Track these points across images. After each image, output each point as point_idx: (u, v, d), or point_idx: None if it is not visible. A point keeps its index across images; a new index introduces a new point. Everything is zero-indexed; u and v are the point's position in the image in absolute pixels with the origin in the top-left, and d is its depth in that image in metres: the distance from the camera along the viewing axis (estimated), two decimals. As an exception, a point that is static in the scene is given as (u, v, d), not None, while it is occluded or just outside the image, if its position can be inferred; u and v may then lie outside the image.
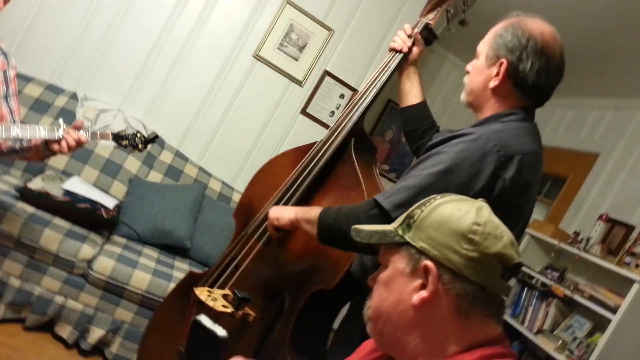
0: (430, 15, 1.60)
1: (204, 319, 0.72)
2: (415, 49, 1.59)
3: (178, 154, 2.99)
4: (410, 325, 0.77)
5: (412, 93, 1.63)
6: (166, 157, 2.92)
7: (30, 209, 2.14)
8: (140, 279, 2.17)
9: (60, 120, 1.77)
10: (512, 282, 3.14)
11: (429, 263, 0.75)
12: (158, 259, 2.40)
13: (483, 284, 0.75)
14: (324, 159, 1.60)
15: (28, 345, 2.00)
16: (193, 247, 2.63)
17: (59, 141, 1.71)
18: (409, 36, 1.59)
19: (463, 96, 1.40)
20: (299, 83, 3.25)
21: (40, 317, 2.07)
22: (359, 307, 1.04)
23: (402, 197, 1.22)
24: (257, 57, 3.15)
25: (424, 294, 0.75)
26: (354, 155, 1.61)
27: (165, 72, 3.01)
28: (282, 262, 1.61)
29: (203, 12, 3.01)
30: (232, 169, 3.23)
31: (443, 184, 1.18)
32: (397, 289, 0.78)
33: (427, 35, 1.60)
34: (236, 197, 3.07)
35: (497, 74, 1.26)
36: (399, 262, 0.79)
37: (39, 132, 1.69)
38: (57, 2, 2.76)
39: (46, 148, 1.74)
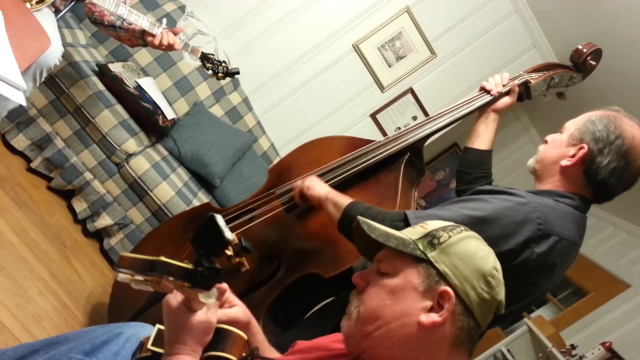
0: (534, 75, 1.60)
1: (220, 219, 0.77)
2: (506, 99, 1.58)
3: (245, 101, 3.08)
4: (407, 340, 0.78)
5: (482, 138, 1.62)
6: (234, 98, 3.01)
7: (101, 86, 2.26)
8: (164, 192, 2.26)
9: (164, 20, 1.87)
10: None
11: (449, 290, 0.76)
12: (186, 182, 2.50)
13: (481, 324, 0.78)
14: (375, 159, 1.63)
15: (44, 203, 2.12)
16: (220, 187, 2.72)
17: (154, 35, 1.81)
18: (505, 85, 1.59)
19: (531, 162, 1.40)
20: (381, 88, 3.28)
21: (65, 183, 2.19)
22: (343, 303, 1.07)
23: None
24: (356, 48, 3.20)
25: (435, 317, 0.76)
26: (402, 168, 1.63)
27: (270, 24, 3.10)
28: (294, 233, 1.66)
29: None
30: (285, 137, 3.30)
31: (474, 230, 1.19)
32: (405, 302, 0.78)
33: (522, 91, 1.60)
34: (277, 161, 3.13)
35: (573, 156, 1.26)
36: (413, 277, 0.79)
37: (142, 21, 1.79)
38: None
39: (141, 37, 1.84)
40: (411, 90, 3.28)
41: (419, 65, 3.24)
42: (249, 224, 1.70)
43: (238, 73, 2.08)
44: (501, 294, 0.80)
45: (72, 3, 1.93)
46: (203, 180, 2.67)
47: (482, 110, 1.61)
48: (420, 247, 0.80)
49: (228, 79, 2.32)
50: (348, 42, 3.19)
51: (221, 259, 1.61)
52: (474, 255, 0.79)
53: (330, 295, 1.66)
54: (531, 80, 1.58)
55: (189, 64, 2.78)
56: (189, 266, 0.75)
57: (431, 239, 0.81)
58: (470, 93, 3.21)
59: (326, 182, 1.62)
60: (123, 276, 0.77)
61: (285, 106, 3.26)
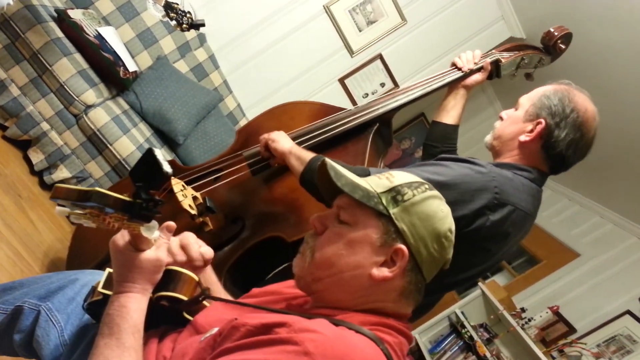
0: (505, 54, 1.62)
1: (158, 152, 0.76)
2: (477, 76, 1.61)
3: (212, 58, 2.99)
4: (356, 289, 0.81)
5: (450, 113, 1.64)
6: (200, 54, 2.92)
7: (59, 33, 2.14)
8: (124, 146, 2.20)
9: None
10: (444, 324, 3.25)
11: (404, 248, 0.79)
12: (148, 138, 2.43)
13: (427, 278, 0.83)
14: (344, 127, 1.63)
15: (-1, 153, 2.04)
16: (183, 145, 2.66)
17: None
18: (476, 63, 1.61)
19: (488, 138, 1.43)
20: (351, 52, 3.25)
21: (21, 133, 2.10)
22: None
23: None
24: (326, 9, 3.14)
25: (387, 272, 0.79)
26: (370, 138, 1.64)
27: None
28: (259, 196, 1.66)
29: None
30: (252, 98, 3.24)
31: None
32: (360, 254, 0.81)
33: (493, 70, 1.63)
34: (243, 122, 3.09)
35: (531, 131, 1.30)
36: (372, 231, 0.81)
37: None
38: None
39: None
40: (380, 57, 3.27)
41: (389, 31, 3.22)
42: (214, 184, 1.69)
43: (203, 25, 2.00)
44: (450, 253, 0.85)
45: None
46: (166, 137, 2.61)
47: (452, 85, 1.64)
48: (384, 201, 0.81)
49: (193, 32, 2.26)
50: (319, 2, 3.12)
51: (184, 219, 1.61)
52: (433, 217, 0.81)
53: (288, 257, 1.68)
54: (502, 60, 1.61)
55: (153, 15, 2.65)
56: (127, 198, 0.74)
57: (395, 194, 0.82)
58: (438, 62, 3.28)
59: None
60: (60, 209, 0.75)
61: (253, 66, 3.19)
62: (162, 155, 0.76)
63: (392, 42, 3.26)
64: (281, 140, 1.51)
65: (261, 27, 3.11)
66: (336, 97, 3.30)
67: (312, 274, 0.83)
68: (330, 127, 1.65)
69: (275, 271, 1.60)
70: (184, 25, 1.95)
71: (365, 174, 1.28)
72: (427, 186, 0.85)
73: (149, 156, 0.76)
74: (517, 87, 1.70)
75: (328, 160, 0.85)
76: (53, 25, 2.13)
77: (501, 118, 1.41)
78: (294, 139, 1.65)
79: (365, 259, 0.80)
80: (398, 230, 0.80)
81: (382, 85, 3.32)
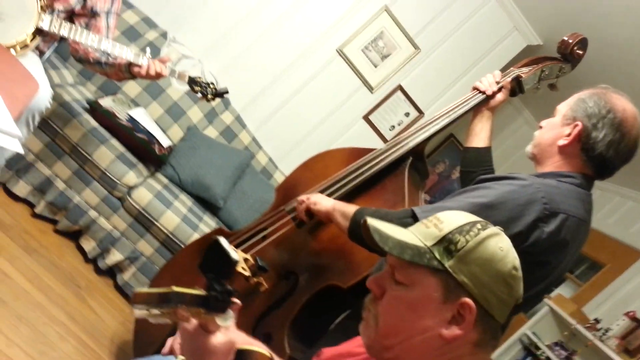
0: (525, 69, 1.62)
1: (224, 241, 0.78)
2: (499, 96, 1.61)
3: (238, 119, 3.09)
4: (429, 352, 0.78)
5: (480, 136, 1.64)
6: (227, 117, 3.02)
7: (94, 123, 2.26)
8: (170, 220, 2.26)
9: (147, 49, 1.87)
10: (517, 347, 3.11)
11: (469, 301, 0.75)
12: (190, 207, 2.49)
13: (501, 321, 0.78)
14: (378, 167, 1.64)
15: (53, 246, 2.12)
16: (224, 208, 2.72)
17: (140, 66, 1.81)
18: (497, 82, 1.61)
19: (529, 148, 1.42)
20: (370, 89, 3.29)
21: (71, 224, 2.19)
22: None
23: None
24: (340, 52, 3.21)
25: (457, 330, 0.76)
26: (406, 173, 1.64)
27: (252, 39, 3.11)
28: (307, 247, 1.66)
29: (303, -4, 3.09)
30: (282, 150, 3.30)
31: (481, 217, 1.20)
32: (425, 316, 0.77)
33: (515, 87, 1.62)
34: (277, 176, 3.14)
35: (569, 135, 1.28)
36: (432, 289, 0.77)
37: (127, 53, 1.79)
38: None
39: (127, 70, 1.84)
40: (400, 88, 3.30)
41: (405, 61, 3.26)
42: (262, 243, 1.71)
43: (227, 92, 2.09)
44: (520, 289, 0.80)
45: (56, 44, 1.94)
46: (207, 204, 2.67)
47: (476, 109, 1.63)
48: (437, 255, 0.78)
49: (218, 99, 2.33)
50: (331, 47, 3.20)
51: (239, 280, 1.62)
52: (492, 259, 0.77)
53: (351, 305, 1.66)
54: (522, 75, 1.60)
55: (178, 89, 2.79)
56: (202, 292, 0.76)
57: (447, 244, 0.78)
58: (458, 84, 3.27)
59: (333, 193, 1.63)
60: (139, 312, 0.77)
61: (278, 119, 3.26)
62: (227, 243, 0.78)
63: (409, 71, 3.29)
64: (322, 201, 1.52)
65: (280, 80, 3.20)
66: (364, 135, 3.33)
67: (381, 342, 0.81)
68: (364, 168, 1.66)
69: (337, 321, 1.58)
70: (210, 96, 2.03)
71: (406, 214, 1.28)
72: (479, 226, 0.81)
73: (215, 247, 0.78)
74: (544, 94, 1.69)
75: (370, 221, 0.82)
76: (87, 116, 2.25)
77: (540, 127, 1.41)
78: (331, 186, 1.67)
79: (431, 320, 0.77)
80: (459, 283, 0.76)
81: (407, 114, 3.34)
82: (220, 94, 2.06)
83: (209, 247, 0.78)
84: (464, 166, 1.68)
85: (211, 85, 2.04)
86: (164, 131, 2.71)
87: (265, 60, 3.15)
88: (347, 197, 1.65)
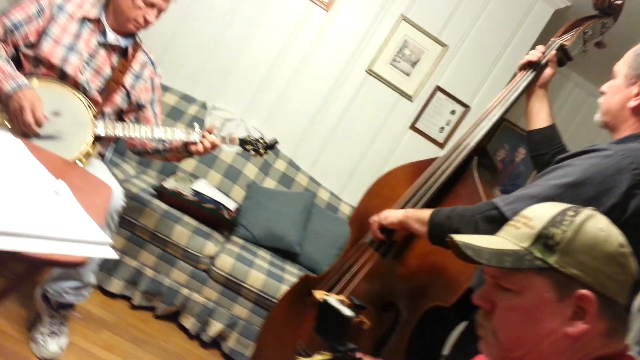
0: (566, 36, 1.56)
1: (332, 300, 0.78)
2: (547, 70, 1.56)
3: (291, 163, 3.14)
4: (560, 354, 0.74)
5: (540, 116, 1.59)
6: (280, 165, 3.08)
7: (164, 206, 2.37)
8: (256, 278, 2.31)
9: (196, 125, 1.95)
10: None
11: (586, 292, 0.72)
12: (271, 261, 2.54)
13: (625, 302, 0.74)
14: (445, 175, 1.61)
15: (158, 332, 2.21)
16: (302, 252, 2.75)
17: (195, 143, 1.89)
18: (542, 53, 1.56)
19: (598, 117, 1.36)
20: (409, 98, 3.27)
21: (168, 306, 2.28)
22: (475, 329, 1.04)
23: (524, 206, 1.20)
24: (370, 72, 3.22)
25: (582, 325, 0.72)
26: (475, 174, 1.60)
27: (284, 85, 3.18)
28: (398, 274, 1.64)
29: (321, 29, 3.15)
30: (339, 180, 3.32)
31: (570, 197, 1.14)
32: (545, 319, 0.74)
33: (561, 57, 1.57)
34: (343, 208, 3.15)
35: (637, 94, 1.22)
36: (543, 290, 0.74)
37: (179, 134, 1.88)
38: (192, 23, 3.05)
39: (184, 149, 1.92)
40: (438, 88, 3.26)
41: (436, 62, 3.22)
42: (352, 281, 1.70)
43: (277, 142, 2.13)
44: (634, 265, 0.76)
45: (113, 144, 2.06)
46: (284, 253, 2.71)
47: (529, 90, 1.59)
48: (538, 254, 0.75)
49: (269, 151, 2.38)
50: (360, 70, 3.22)
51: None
52: (595, 243, 0.74)
53: (459, 321, 1.61)
54: (565, 43, 1.55)
55: (229, 152, 2.88)
56: (329, 356, 0.76)
57: (545, 240, 0.75)
58: (495, 68, 3.19)
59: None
60: None
61: (328, 152, 3.29)
62: (336, 301, 0.79)
63: (443, 70, 3.25)
64: (391, 213, 1.51)
65: (320, 115, 3.25)
66: (416, 145, 3.29)
67: (508, 357, 0.78)
68: (431, 180, 1.63)
69: (451, 343, 1.53)
70: (262, 151, 2.08)
71: (489, 207, 1.24)
72: (571, 213, 0.77)
73: (326, 308, 0.79)
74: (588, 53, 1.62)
75: (457, 238, 0.80)
76: (156, 202, 2.36)
77: (602, 92, 1.35)
78: (402, 207, 1.64)
79: (552, 321, 0.74)
80: (569, 276, 0.73)
81: (453, 112, 3.28)
82: (271, 145, 2.10)
83: (320, 309, 0.79)
84: (533, 150, 1.63)
85: (260, 140, 2.09)
86: (227, 195, 2.80)
87: (302, 100, 3.21)
88: (423, 214, 1.62)
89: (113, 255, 1.11)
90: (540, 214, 0.80)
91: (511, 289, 0.77)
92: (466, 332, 1.47)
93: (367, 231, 1.73)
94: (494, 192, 1.68)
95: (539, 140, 1.60)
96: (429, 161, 1.75)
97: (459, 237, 0.82)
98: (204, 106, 2.97)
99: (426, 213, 1.37)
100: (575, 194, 1.15)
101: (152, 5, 1.81)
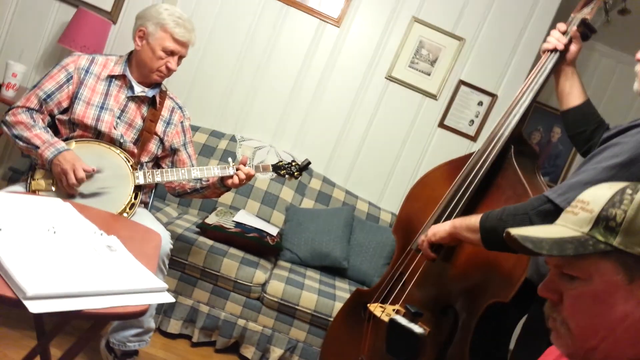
0: (586, 10, 1.53)
1: (400, 319, 0.77)
2: (572, 47, 1.53)
3: (325, 180, 3.16)
4: (638, 338, 0.71)
5: (573, 94, 1.56)
6: (315, 184, 3.10)
7: (209, 241, 2.42)
8: (308, 299, 2.31)
9: (230, 159, 2.00)
10: None
11: None
12: (320, 279, 2.54)
13: None
14: (483, 169, 1.59)
15: (220, 365, 2.24)
16: (350, 266, 2.74)
17: (231, 177, 1.93)
18: (564, 33, 1.53)
19: (637, 85, 1.32)
20: (433, 97, 3.25)
21: (227, 339, 2.31)
22: (538, 320, 1.01)
23: (578, 193, 1.17)
24: (390, 78, 3.23)
25: None
26: (515, 163, 1.57)
27: (307, 106, 3.22)
28: (450, 276, 1.61)
29: (335, 46, 3.18)
30: (376, 189, 3.32)
31: (624, 177, 1.10)
32: (617, 303, 0.72)
33: (585, 31, 1.53)
34: (383, 216, 3.13)
35: None
36: (611, 273, 0.72)
37: (214, 170, 1.92)
38: (210, 62, 3.14)
39: (222, 184, 1.97)
40: (462, 82, 3.23)
41: (455, 56, 3.20)
42: (405, 289, 1.68)
43: (309, 163, 2.15)
44: None
45: (154, 190, 2.13)
46: (333, 269, 2.72)
47: (556, 71, 1.56)
48: (600, 238, 0.72)
49: (303, 172, 2.40)
50: (380, 77, 3.23)
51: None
52: None
53: (521, 315, 1.58)
54: (587, 17, 1.51)
55: (264, 179, 2.92)
56: None
57: (605, 222, 0.73)
58: (516, 53, 3.14)
59: (450, 215, 1.59)
60: None
61: (360, 164, 3.30)
62: (403, 319, 0.78)
63: (463, 63, 3.22)
64: (438, 228, 1.48)
65: (347, 128, 3.26)
66: (448, 142, 3.26)
67: (583, 347, 0.75)
68: (470, 177, 1.61)
69: (517, 342, 1.49)
70: (296, 173, 2.11)
71: (542, 201, 1.21)
72: (629, 191, 0.74)
73: (394, 327, 0.78)
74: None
75: (513, 232, 0.79)
76: (202, 239, 2.41)
77: (639, 60, 1.31)
78: (445, 209, 1.63)
79: (625, 305, 0.71)
80: (636, 256, 0.70)
81: (480, 104, 3.23)
82: (304, 167, 2.13)
83: (388, 330, 0.78)
84: (571, 130, 1.60)
85: (293, 163, 2.12)
86: (268, 221, 2.83)
87: (326, 117, 3.24)
88: (467, 212, 1.60)
89: (170, 299, 1.14)
90: (598, 196, 0.77)
91: (578, 276, 0.75)
92: (529, 324, 1.43)
93: (412, 236, 1.73)
94: (537, 178, 1.64)
95: (575, 119, 1.56)
96: (465, 157, 1.74)
97: (516, 231, 0.80)
98: (233, 139, 3.03)
99: (475, 220, 1.34)
100: (629, 172, 1.11)
101: (172, 54, 1.88)
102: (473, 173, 1.61)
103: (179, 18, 1.89)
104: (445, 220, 1.60)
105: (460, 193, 1.61)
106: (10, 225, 1.12)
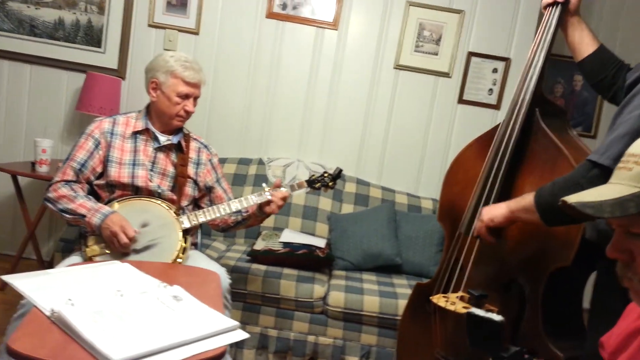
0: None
1: (476, 310, 0.78)
2: None
3: (359, 181, 3.17)
4: None
5: (584, 43, 1.54)
6: (350, 187, 3.12)
7: (262, 267, 2.46)
8: (371, 303, 2.33)
9: (264, 184, 2.03)
10: None
11: None
12: (377, 280, 2.55)
13: None
14: (513, 139, 1.58)
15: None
16: (403, 261, 2.74)
17: (268, 202, 1.97)
18: None
19: None
20: (446, 75, 3.22)
21: (301, 358, 2.35)
22: (608, 275, 0.99)
23: (620, 147, 1.16)
24: (399, 67, 3.22)
25: None
26: (544, 125, 1.56)
27: (323, 113, 3.25)
28: (506, 251, 1.60)
29: (337, 48, 3.20)
30: (410, 179, 3.31)
31: None
32: None
33: None
34: (424, 204, 3.12)
35: None
36: None
37: (252, 199, 1.96)
38: (221, 96, 3.21)
39: (261, 212, 2.00)
40: (471, 54, 3.19)
41: (458, 30, 3.17)
42: (464, 274, 1.68)
43: (341, 170, 2.17)
44: None
45: (199, 231, 2.18)
46: (387, 268, 2.72)
47: (563, 24, 1.55)
48: None
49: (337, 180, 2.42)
50: (389, 69, 3.23)
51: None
52: None
53: (589, 271, 1.55)
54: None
55: (299, 194, 2.96)
56: None
57: None
58: (520, 15, 3.09)
59: (491, 193, 1.58)
60: None
61: (389, 158, 3.30)
62: (480, 310, 0.79)
63: (468, 35, 3.19)
64: (494, 213, 1.47)
65: (368, 125, 3.27)
66: (471, 116, 3.23)
67: None
68: (502, 148, 1.60)
69: (592, 304, 1.46)
70: (330, 184, 2.13)
71: (588, 168, 1.20)
72: None
73: (474, 320, 0.79)
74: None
75: (570, 199, 0.78)
76: (255, 265, 2.46)
77: None
78: (484, 186, 1.62)
79: None
80: None
81: (495, 70, 3.19)
82: (337, 175, 2.15)
83: (467, 323, 0.79)
84: (591, 79, 1.57)
85: (325, 175, 2.14)
86: (313, 234, 2.86)
87: (345, 119, 3.26)
88: (507, 185, 1.59)
89: (244, 335, 1.18)
90: None
91: None
92: (600, 283, 1.40)
93: (458, 220, 1.72)
94: (570, 135, 1.63)
95: (592, 68, 1.54)
96: (492, 131, 1.73)
97: (573, 198, 0.78)
98: (260, 162, 3.08)
99: (529, 199, 1.33)
100: None
101: (187, 97, 1.94)
102: (503, 145, 1.60)
103: (186, 61, 1.95)
104: (487, 197, 1.60)
105: (495, 167, 1.61)
106: (81, 297, 1.18)
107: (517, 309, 1.58)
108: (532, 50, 1.61)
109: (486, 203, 1.59)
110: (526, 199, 1.33)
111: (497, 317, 0.76)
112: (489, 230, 1.50)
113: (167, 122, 1.97)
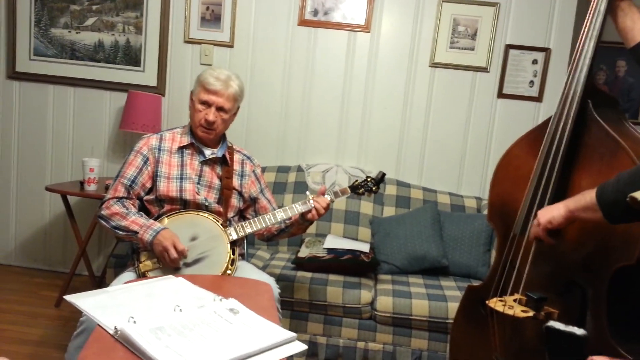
0: None
1: (556, 324, 0.75)
2: None
3: (399, 183, 3.13)
4: None
5: (637, 27, 1.47)
6: (390, 190, 3.08)
7: (308, 274, 2.46)
8: (420, 307, 2.29)
9: (307, 192, 2.03)
10: None
11: None
12: (425, 283, 2.51)
13: None
14: (566, 133, 1.52)
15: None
16: (450, 263, 2.69)
17: (311, 210, 1.96)
18: None
19: None
20: (484, 70, 3.16)
21: (350, 363, 2.33)
22: None
23: None
24: (434, 65, 3.17)
25: None
26: (598, 118, 1.50)
27: (359, 116, 3.23)
28: (564, 251, 1.54)
29: (371, 50, 3.18)
30: (452, 178, 3.25)
31: None
32: None
33: None
34: (468, 203, 3.06)
35: None
36: None
37: (295, 208, 1.96)
38: (257, 106, 3.24)
39: (304, 220, 2.00)
40: (509, 46, 3.12)
41: (494, 23, 3.10)
42: (521, 276, 1.63)
43: (384, 174, 2.14)
44: None
45: (245, 241, 2.20)
46: (434, 270, 2.68)
47: (612, 10, 1.48)
48: None
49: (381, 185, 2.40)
50: (424, 68, 3.19)
51: (530, 324, 1.54)
52: None
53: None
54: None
55: (342, 200, 2.95)
56: None
57: None
58: (559, 1, 3.00)
59: (547, 191, 1.53)
60: None
61: (428, 158, 3.25)
62: (560, 324, 0.77)
63: (504, 27, 3.11)
64: (552, 214, 1.40)
65: (406, 126, 3.24)
66: (512, 110, 3.15)
67: None
68: (555, 144, 1.55)
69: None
70: (374, 188, 2.11)
71: None
72: None
73: (553, 334, 0.77)
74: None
75: (638, 195, 0.75)
76: (300, 273, 2.46)
77: None
78: (538, 184, 1.57)
79: None
80: None
81: (535, 62, 3.10)
82: (380, 179, 2.13)
83: (547, 337, 0.77)
84: None
85: (369, 179, 2.12)
86: (357, 239, 2.84)
87: (382, 121, 3.23)
88: (563, 182, 1.53)
89: (302, 347, 1.17)
90: None
91: None
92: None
93: (511, 220, 1.67)
94: (626, 126, 1.56)
95: None
96: (542, 126, 1.67)
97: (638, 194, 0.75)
98: (299, 169, 3.09)
99: (590, 197, 1.26)
100: None
101: (208, 105, 1.95)
102: (557, 140, 1.54)
103: (214, 71, 1.98)
104: (542, 196, 1.55)
105: (549, 165, 1.55)
106: (141, 314, 1.20)
107: (580, 311, 1.52)
108: (580, 40, 1.55)
109: (541, 202, 1.53)
110: (586, 197, 1.27)
111: (579, 331, 0.73)
112: (548, 232, 1.44)
113: (195, 132, 2.00)
